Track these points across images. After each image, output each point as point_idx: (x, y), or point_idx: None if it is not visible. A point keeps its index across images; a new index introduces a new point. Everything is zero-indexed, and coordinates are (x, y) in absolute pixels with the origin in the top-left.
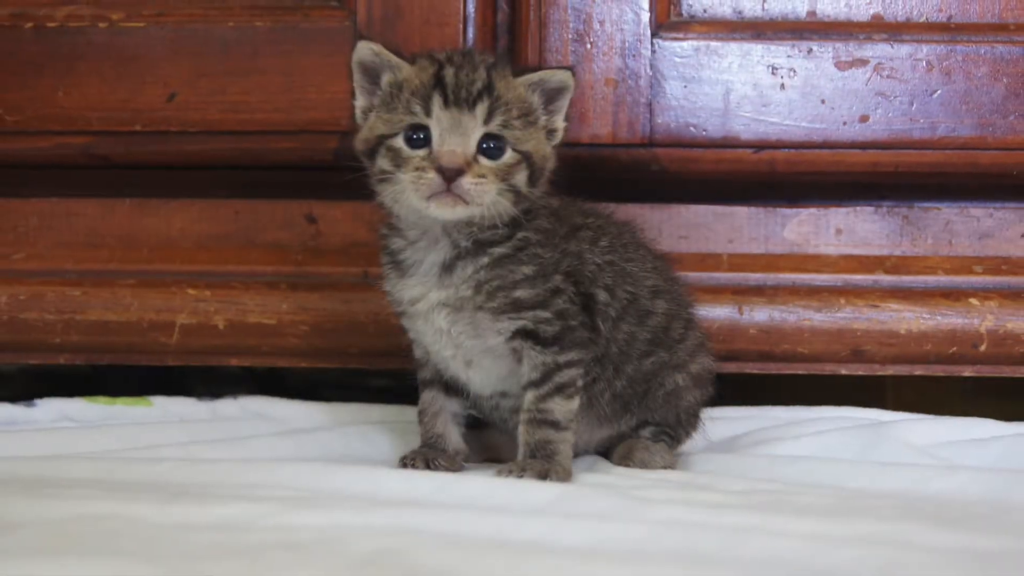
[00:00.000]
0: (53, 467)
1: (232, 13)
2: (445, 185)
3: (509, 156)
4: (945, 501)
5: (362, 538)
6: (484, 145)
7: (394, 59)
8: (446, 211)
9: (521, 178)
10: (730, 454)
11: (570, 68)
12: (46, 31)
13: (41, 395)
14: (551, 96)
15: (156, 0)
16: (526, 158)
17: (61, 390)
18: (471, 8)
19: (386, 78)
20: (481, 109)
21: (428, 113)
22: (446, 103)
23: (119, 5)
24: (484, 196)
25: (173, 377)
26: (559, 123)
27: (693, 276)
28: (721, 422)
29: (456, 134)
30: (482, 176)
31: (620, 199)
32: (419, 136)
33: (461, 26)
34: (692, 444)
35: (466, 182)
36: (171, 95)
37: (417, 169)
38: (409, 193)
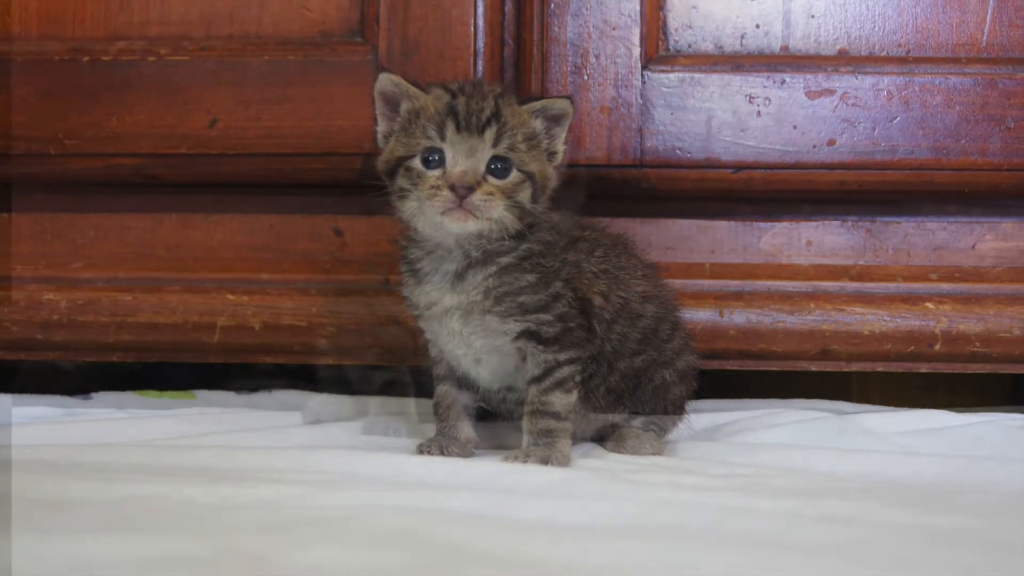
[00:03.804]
0: (107, 453)
1: (267, 48)
2: (457, 201)
3: (515, 176)
4: (904, 484)
5: (383, 516)
6: (492, 166)
7: (412, 89)
8: (458, 225)
9: (525, 195)
10: (712, 442)
11: (569, 97)
12: (101, 64)
13: (96, 389)
14: (552, 122)
15: (199, 36)
16: (530, 177)
17: (114, 385)
18: (481, 44)
19: (405, 106)
20: (490, 134)
21: (442, 137)
22: (458, 128)
23: (166, 40)
24: (492, 211)
25: (214, 373)
26: (559, 146)
27: (679, 283)
28: (704, 413)
29: (467, 156)
30: (490, 193)
31: (613, 214)
32: (434, 158)
33: (472, 60)
34: (678, 433)
35: (476, 199)
36: (213, 121)
37: (432, 187)
38: (425, 208)
